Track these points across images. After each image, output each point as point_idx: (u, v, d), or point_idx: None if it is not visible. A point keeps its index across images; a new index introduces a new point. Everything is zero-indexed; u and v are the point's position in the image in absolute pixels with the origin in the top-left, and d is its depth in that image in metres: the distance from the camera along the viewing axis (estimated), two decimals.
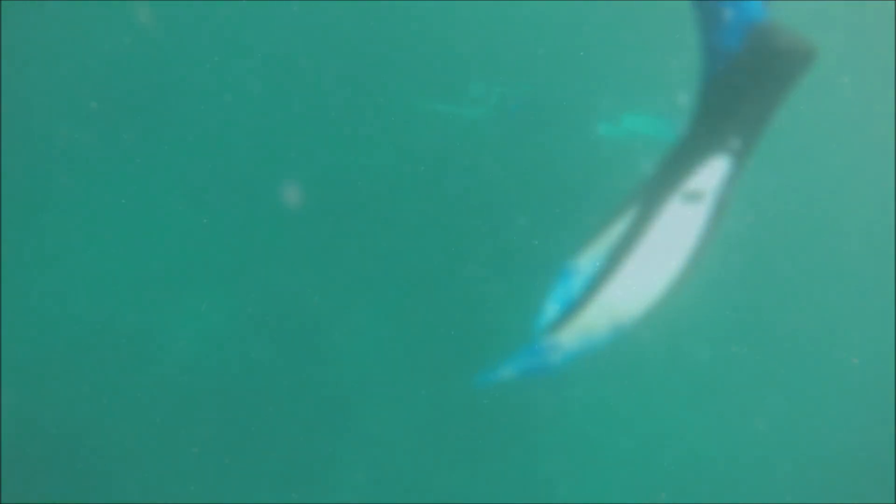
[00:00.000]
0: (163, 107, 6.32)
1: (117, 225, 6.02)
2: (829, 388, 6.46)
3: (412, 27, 6.75)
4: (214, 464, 5.51)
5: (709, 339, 6.28)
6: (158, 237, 6.05)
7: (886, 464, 6.04)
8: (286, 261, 6.10)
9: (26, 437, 5.40)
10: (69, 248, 5.93)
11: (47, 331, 5.71)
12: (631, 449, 5.97)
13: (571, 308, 2.61)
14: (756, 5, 1.87)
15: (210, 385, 5.72)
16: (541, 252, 5.76)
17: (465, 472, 5.76)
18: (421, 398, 5.86)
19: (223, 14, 6.54)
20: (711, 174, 2.11)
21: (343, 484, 5.64)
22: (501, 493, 5.70)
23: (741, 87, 1.92)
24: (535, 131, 6.58)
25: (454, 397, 5.82)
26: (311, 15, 6.66)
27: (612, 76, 6.81)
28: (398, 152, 6.47)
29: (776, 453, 6.25)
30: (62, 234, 5.97)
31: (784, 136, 5.86)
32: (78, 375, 5.58)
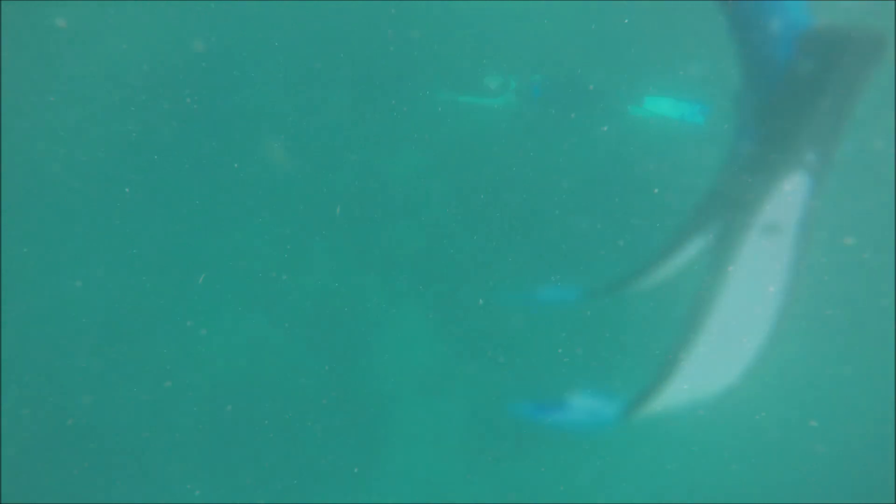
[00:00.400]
0: (187, 110, 6.26)
1: (149, 231, 5.99)
2: (828, 386, 6.48)
3: (422, 21, 6.66)
4: (252, 468, 5.54)
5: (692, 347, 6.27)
6: (194, 245, 6.03)
7: (886, 464, 6.07)
8: (324, 265, 6.08)
9: (57, 441, 5.39)
10: (103, 251, 5.90)
11: (84, 334, 5.71)
12: (642, 447, 6.00)
13: (649, 388, 2.42)
14: (799, 12, 1.77)
15: (249, 391, 5.75)
16: (579, 246, 5.73)
17: (504, 477, 5.78)
18: (462, 400, 5.88)
19: (236, 15, 6.47)
20: (789, 197, 1.93)
21: (383, 487, 5.66)
22: (541, 498, 5.73)
23: (807, 94, 1.80)
24: (561, 115, 6.46)
25: (495, 402, 5.84)
26: (322, 15, 6.58)
27: (631, 59, 6.69)
28: (427, 149, 6.41)
29: (775, 452, 6.27)
30: (94, 237, 5.93)
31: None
32: (115, 381, 5.59)
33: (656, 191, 6.05)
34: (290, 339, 5.94)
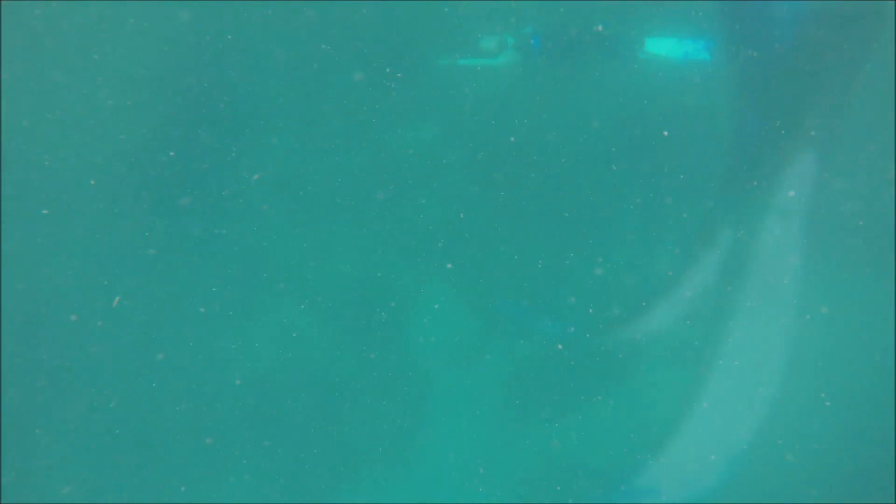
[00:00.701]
0: (194, 102, 6.26)
1: (173, 227, 6.03)
2: (828, 386, 6.47)
3: None
4: (293, 452, 5.75)
5: (703, 338, 6.28)
6: (218, 239, 6.06)
7: (886, 464, 6.06)
8: (348, 248, 6.11)
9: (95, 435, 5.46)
10: (124, 249, 5.94)
11: (124, 328, 5.75)
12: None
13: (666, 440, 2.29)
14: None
15: (285, 380, 5.89)
16: (599, 210, 5.70)
17: (543, 445, 5.94)
18: (497, 371, 5.96)
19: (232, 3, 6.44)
20: (799, 177, 1.94)
21: (426, 463, 5.77)
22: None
23: (811, 73, 1.83)
24: (564, 64, 6.36)
25: (529, 371, 5.88)
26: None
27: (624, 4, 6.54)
28: (438, 119, 6.34)
29: (774, 452, 6.27)
30: (113, 235, 5.96)
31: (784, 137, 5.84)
32: (155, 378, 5.62)
33: (666, 133, 5.94)
34: (321, 326, 6.00)
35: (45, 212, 5.83)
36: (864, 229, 6.72)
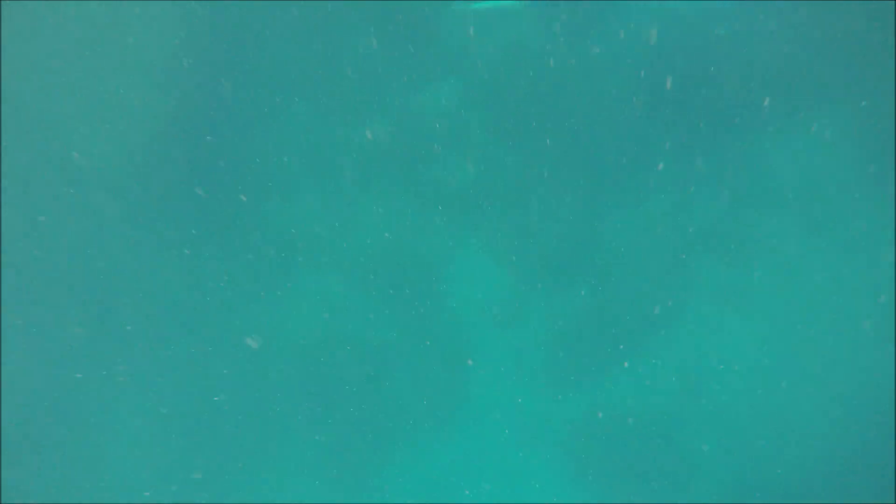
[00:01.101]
0: (208, 88, 6.20)
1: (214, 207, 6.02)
2: (828, 386, 6.47)
3: None
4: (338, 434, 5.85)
5: (701, 338, 6.28)
6: (254, 220, 6.06)
7: (886, 464, 6.05)
8: (382, 216, 6.11)
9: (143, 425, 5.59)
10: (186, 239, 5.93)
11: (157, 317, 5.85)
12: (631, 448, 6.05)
13: None
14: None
15: (332, 351, 5.97)
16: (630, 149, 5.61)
17: (587, 393, 5.99)
18: (537, 326, 5.98)
19: None
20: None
21: (475, 419, 5.88)
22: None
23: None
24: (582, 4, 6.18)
25: (570, 324, 5.82)
26: None
27: None
28: (457, 71, 6.15)
29: (775, 451, 6.26)
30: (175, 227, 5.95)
31: (783, 136, 5.82)
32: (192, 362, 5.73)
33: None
34: (361, 295, 6.03)
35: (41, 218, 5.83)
36: (865, 228, 6.72)
